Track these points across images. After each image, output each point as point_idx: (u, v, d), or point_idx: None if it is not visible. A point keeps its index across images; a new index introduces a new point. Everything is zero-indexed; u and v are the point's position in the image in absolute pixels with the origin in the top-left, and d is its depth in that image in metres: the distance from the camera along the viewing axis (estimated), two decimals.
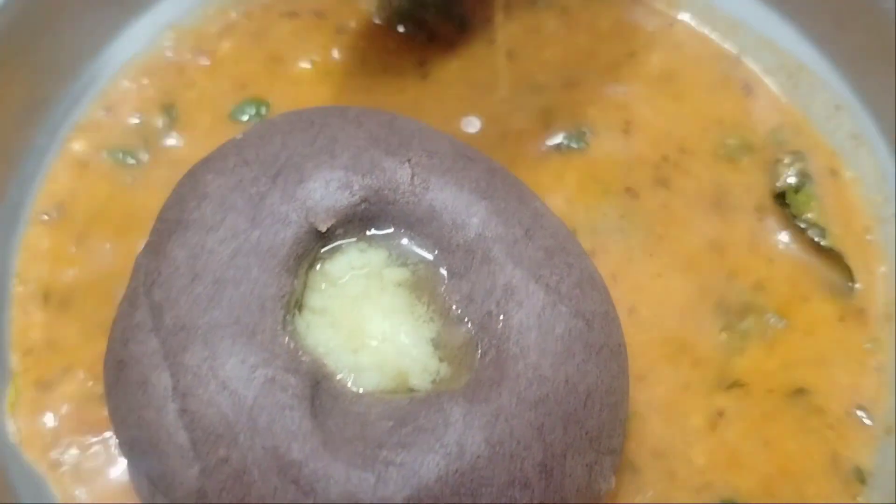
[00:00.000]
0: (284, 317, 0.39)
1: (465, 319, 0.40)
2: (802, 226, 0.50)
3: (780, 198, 0.51)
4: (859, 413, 0.45)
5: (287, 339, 0.39)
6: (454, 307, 0.41)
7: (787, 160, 0.52)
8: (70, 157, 0.53)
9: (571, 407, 0.38)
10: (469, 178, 0.42)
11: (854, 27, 0.51)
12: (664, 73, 0.55)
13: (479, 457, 0.36)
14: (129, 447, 0.39)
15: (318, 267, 0.42)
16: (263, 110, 0.54)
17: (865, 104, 0.52)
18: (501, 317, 0.40)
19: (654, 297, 0.48)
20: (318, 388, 0.38)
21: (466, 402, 0.37)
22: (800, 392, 0.46)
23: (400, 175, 0.42)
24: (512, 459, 0.37)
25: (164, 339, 0.39)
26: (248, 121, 0.54)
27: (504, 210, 0.42)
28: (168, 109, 0.54)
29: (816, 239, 0.50)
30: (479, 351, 0.39)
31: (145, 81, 0.55)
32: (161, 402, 0.38)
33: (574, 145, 0.52)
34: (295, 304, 0.40)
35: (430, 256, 0.42)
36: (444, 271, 0.41)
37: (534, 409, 0.38)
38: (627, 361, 0.42)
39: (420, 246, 0.42)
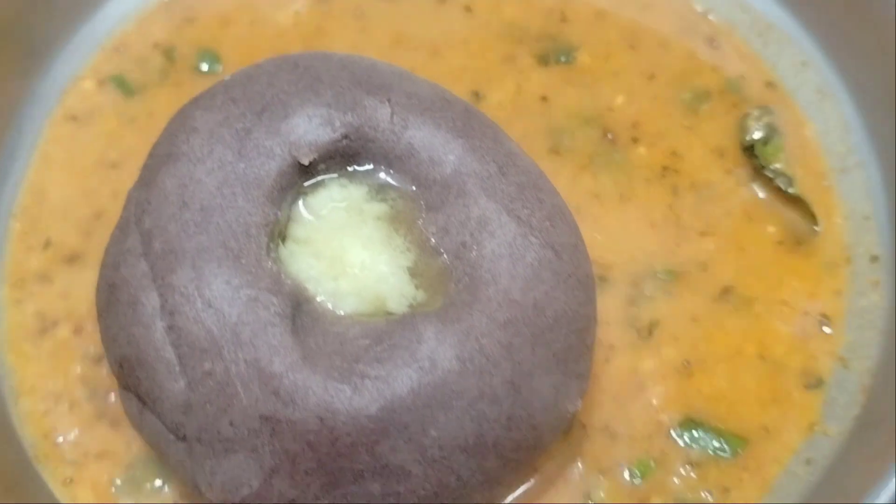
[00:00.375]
0: (268, 244, 0.41)
1: (441, 250, 0.42)
2: (770, 175, 0.52)
3: (749, 150, 0.53)
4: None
5: (270, 264, 0.41)
6: (431, 238, 0.43)
7: (755, 114, 0.54)
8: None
9: (539, 329, 0.41)
10: (446, 118, 0.44)
11: None
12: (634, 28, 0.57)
13: (449, 371, 0.38)
14: (119, 365, 0.41)
15: (301, 200, 0.44)
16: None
17: (830, 60, 0.54)
18: (475, 246, 0.42)
19: (612, 230, 0.51)
20: (299, 309, 0.40)
21: (439, 322, 0.39)
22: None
23: (380, 113, 0.44)
24: (481, 375, 0.39)
25: (153, 262, 0.41)
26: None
27: (479, 148, 0.44)
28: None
29: (783, 187, 0.52)
30: (454, 278, 0.42)
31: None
32: (149, 320, 0.40)
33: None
34: (279, 234, 0.43)
35: (408, 191, 0.44)
36: (421, 205, 0.44)
37: (503, 330, 0.40)
38: (595, 292, 0.44)
39: (399, 181, 0.44)
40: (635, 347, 0.48)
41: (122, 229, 0.43)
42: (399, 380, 0.38)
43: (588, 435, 0.46)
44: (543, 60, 0.57)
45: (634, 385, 0.48)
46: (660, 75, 0.56)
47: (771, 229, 0.51)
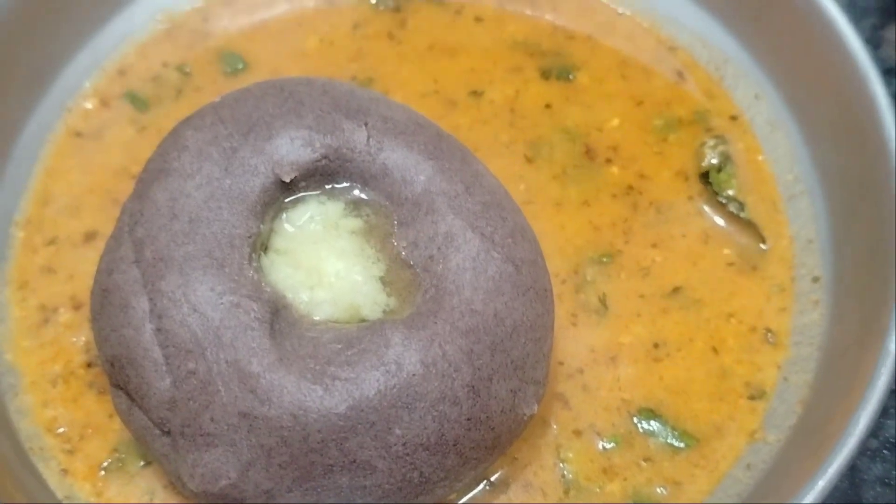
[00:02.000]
0: (251, 254, 0.45)
1: (411, 262, 0.46)
2: (723, 201, 0.56)
3: (705, 177, 0.57)
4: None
5: (252, 272, 0.44)
6: (402, 252, 0.46)
7: (710, 143, 0.58)
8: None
9: (498, 338, 0.44)
10: (418, 142, 0.48)
11: (772, 23, 0.57)
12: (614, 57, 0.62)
13: (414, 374, 0.42)
14: (111, 364, 0.44)
15: (283, 215, 0.47)
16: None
17: (781, 93, 0.58)
18: (441, 260, 0.45)
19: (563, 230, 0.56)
20: (277, 315, 0.43)
21: (406, 329, 0.43)
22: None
23: (357, 136, 0.47)
24: (444, 378, 0.42)
25: (144, 269, 0.44)
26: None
27: (448, 169, 0.47)
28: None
29: (735, 212, 0.56)
30: (422, 289, 0.45)
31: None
32: (139, 322, 0.43)
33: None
34: (261, 245, 0.46)
35: (382, 208, 0.47)
36: (394, 221, 0.47)
37: (465, 337, 0.43)
38: (553, 305, 0.48)
39: (373, 199, 0.48)
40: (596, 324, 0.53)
41: (115, 238, 0.46)
42: (367, 381, 0.41)
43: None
44: (546, 74, 0.61)
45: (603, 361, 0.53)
46: (646, 102, 0.60)
47: (726, 251, 0.55)
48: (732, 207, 0.56)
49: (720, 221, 0.56)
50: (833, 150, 0.55)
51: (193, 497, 0.44)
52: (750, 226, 0.55)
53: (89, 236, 0.55)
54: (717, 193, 0.56)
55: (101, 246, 0.53)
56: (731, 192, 0.56)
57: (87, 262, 0.54)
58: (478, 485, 0.49)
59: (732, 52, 0.60)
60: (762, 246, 0.55)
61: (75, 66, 0.60)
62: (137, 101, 0.60)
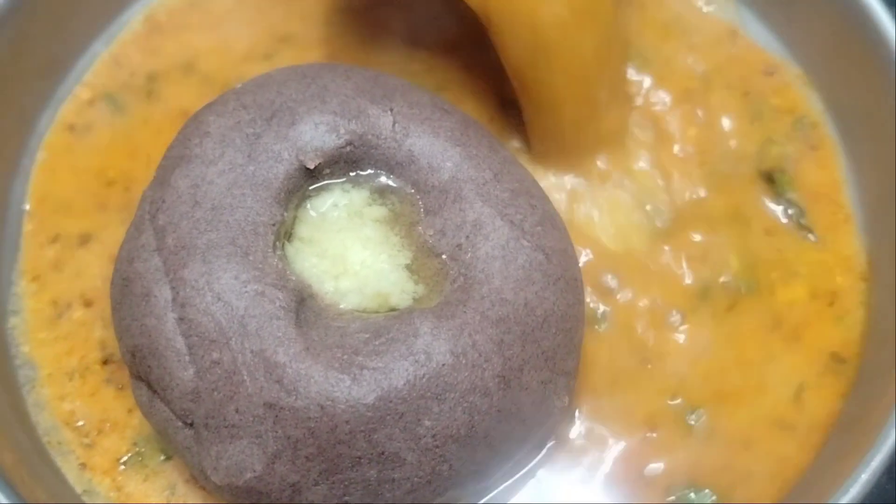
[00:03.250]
0: (275, 242, 0.44)
1: (439, 251, 0.45)
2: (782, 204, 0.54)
3: (768, 176, 0.55)
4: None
5: (276, 261, 0.43)
6: (429, 241, 0.45)
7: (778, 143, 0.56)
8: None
9: (529, 327, 0.43)
10: (445, 128, 0.47)
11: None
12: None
13: (443, 365, 0.41)
14: (132, 354, 0.43)
15: (307, 203, 0.46)
16: None
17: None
18: (470, 248, 0.44)
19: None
20: (303, 304, 0.42)
21: (435, 318, 0.42)
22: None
23: (383, 122, 0.46)
24: (473, 369, 0.41)
25: (165, 257, 0.43)
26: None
27: (475, 156, 0.46)
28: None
29: (791, 212, 0.54)
30: (450, 278, 0.44)
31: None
32: (162, 311, 0.42)
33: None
34: (285, 233, 0.45)
35: (408, 196, 0.46)
36: (420, 209, 0.46)
37: (495, 327, 0.42)
38: (583, 295, 0.47)
39: (399, 186, 0.47)
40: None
41: (136, 227, 0.45)
42: (396, 371, 0.40)
43: None
44: None
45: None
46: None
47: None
48: (792, 211, 0.54)
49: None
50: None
51: (217, 491, 0.43)
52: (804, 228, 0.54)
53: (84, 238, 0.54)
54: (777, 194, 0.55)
55: (97, 248, 0.53)
56: (793, 196, 0.55)
57: (87, 264, 0.53)
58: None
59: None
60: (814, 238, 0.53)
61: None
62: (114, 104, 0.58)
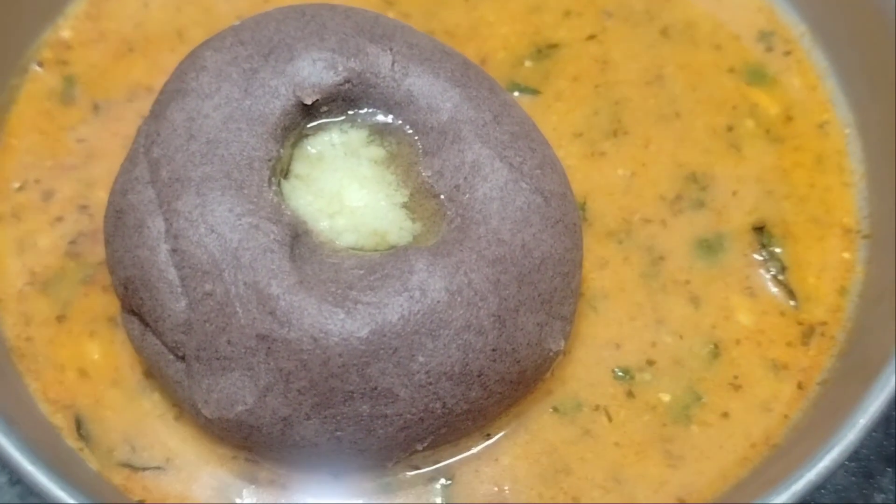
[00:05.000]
0: (270, 178, 0.43)
1: (437, 191, 0.44)
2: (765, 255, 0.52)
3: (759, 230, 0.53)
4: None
5: (272, 195, 0.42)
6: (427, 181, 0.45)
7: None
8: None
9: (526, 269, 0.42)
10: (445, 68, 0.46)
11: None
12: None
13: (438, 301, 0.40)
14: (124, 287, 0.43)
15: (304, 141, 0.46)
16: None
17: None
18: (468, 189, 0.44)
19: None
20: (297, 240, 0.42)
21: (431, 256, 0.41)
22: None
23: (382, 60, 0.46)
24: (469, 307, 0.41)
25: (159, 189, 0.42)
26: None
27: (475, 97, 0.46)
28: None
29: (774, 272, 0.52)
30: (447, 219, 0.43)
31: None
32: (154, 243, 0.42)
33: None
34: (282, 170, 0.44)
35: (406, 136, 0.46)
36: (419, 149, 0.45)
37: (491, 266, 0.42)
38: (582, 241, 0.46)
39: (396, 127, 0.46)
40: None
41: (130, 160, 0.45)
42: (390, 306, 0.40)
43: None
44: (665, 33, 0.58)
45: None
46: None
47: None
48: (772, 266, 0.52)
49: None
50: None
51: (207, 425, 0.42)
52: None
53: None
54: (763, 246, 0.52)
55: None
56: (778, 251, 0.52)
57: None
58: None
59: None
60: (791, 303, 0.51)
61: None
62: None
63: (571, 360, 0.49)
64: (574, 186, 0.51)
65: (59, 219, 0.51)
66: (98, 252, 0.49)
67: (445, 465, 0.46)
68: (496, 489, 0.46)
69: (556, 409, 0.47)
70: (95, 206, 0.52)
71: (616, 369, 0.48)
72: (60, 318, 0.49)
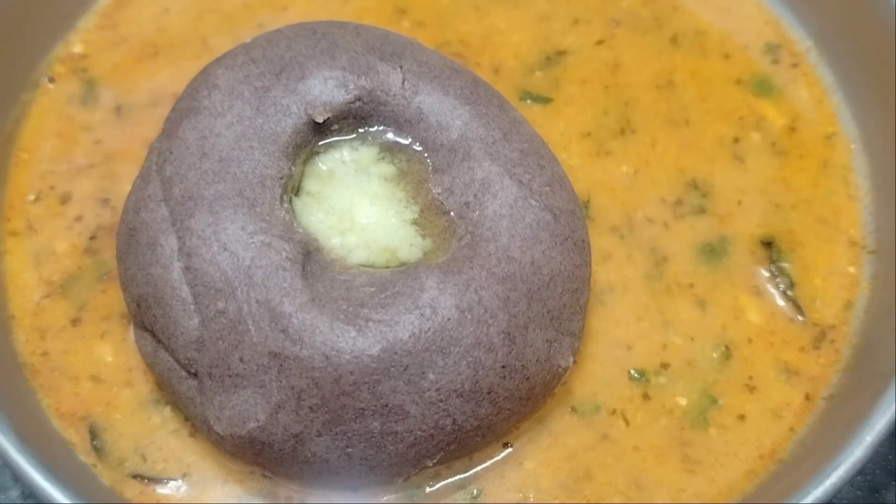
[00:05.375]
0: (282, 195, 0.44)
1: (447, 209, 0.45)
2: (774, 270, 0.52)
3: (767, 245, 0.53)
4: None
5: (284, 213, 0.43)
6: (437, 198, 0.45)
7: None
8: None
9: (535, 286, 0.43)
10: (454, 86, 0.47)
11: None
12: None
13: (449, 319, 0.41)
14: (137, 304, 0.43)
15: (315, 159, 0.46)
16: None
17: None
18: (478, 207, 0.44)
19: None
20: (309, 257, 0.42)
21: (441, 273, 0.42)
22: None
23: (392, 79, 0.46)
24: (479, 324, 0.41)
25: (172, 207, 0.43)
26: None
27: (485, 115, 0.46)
28: None
29: (783, 288, 0.52)
30: (457, 236, 0.44)
31: None
32: (168, 260, 0.42)
33: None
34: (293, 188, 0.45)
35: (416, 154, 0.46)
36: (429, 167, 0.46)
37: (501, 284, 0.42)
38: (590, 258, 0.47)
39: (407, 145, 0.46)
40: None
41: (143, 178, 0.45)
42: (401, 324, 0.40)
43: None
44: (675, 41, 0.59)
45: None
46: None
47: None
48: (781, 281, 0.52)
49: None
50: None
51: (220, 441, 0.43)
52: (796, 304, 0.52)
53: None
54: (772, 261, 0.53)
55: None
56: (786, 265, 0.52)
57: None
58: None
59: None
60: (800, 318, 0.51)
61: None
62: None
63: (585, 355, 0.49)
64: (578, 184, 0.52)
65: (79, 218, 0.52)
66: None
67: (473, 474, 0.46)
68: (521, 495, 0.46)
69: (574, 410, 0.48)
70: (118, 199, 0.52)
71: (631, 371, 0.49)
72: (75, 322, 0.49)
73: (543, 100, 0.56)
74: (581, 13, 0.59)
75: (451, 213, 0.44)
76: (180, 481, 0.46)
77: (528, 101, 0.56)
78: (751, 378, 0.49)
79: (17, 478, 0.42)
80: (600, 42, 0.58)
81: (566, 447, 0.47)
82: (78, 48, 0.57)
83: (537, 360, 0.43)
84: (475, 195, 0.44)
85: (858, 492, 0.53)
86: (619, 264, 0.51)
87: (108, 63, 0.57)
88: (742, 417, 0.48)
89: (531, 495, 0.46)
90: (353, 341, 0.40)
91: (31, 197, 0.53)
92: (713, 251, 0.52)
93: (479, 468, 0.47)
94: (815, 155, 0.55)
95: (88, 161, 0.54)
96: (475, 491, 0.46)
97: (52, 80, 0.56)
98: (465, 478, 0.46)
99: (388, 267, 0.44)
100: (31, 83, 0.56)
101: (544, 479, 0.46)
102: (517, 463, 0.47)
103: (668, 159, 0.55)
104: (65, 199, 0.52)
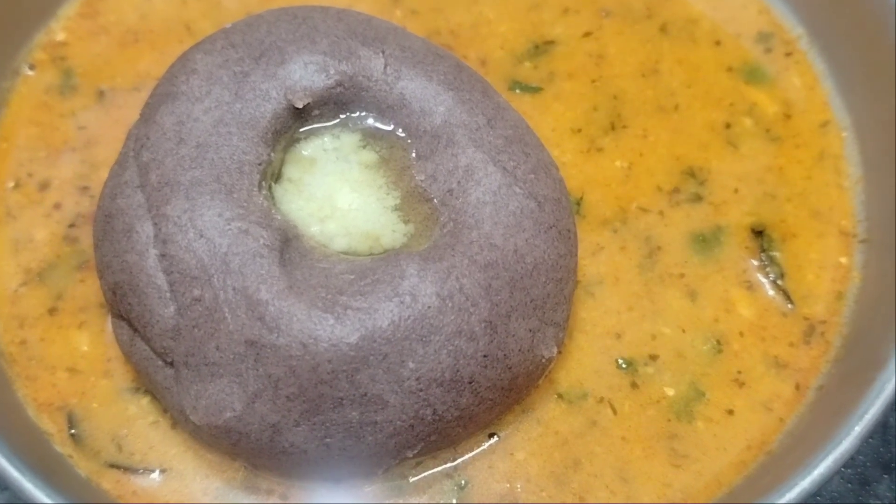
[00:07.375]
0: (260, 182, 0.43)
1: (429, 196, 0.44)
2: (764, 259, 0.52)
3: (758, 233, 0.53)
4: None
5: (262, 200, 0.42)
6: (419, 185, 0.44)
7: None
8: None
9: (518, 274, 0.42)
10: (438, 71, 0.46)
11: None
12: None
13: (429, 307, 0.40)
14: (112, 291, 0.43)
15: (297, 146, 0.45)
16: None
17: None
18: (461, 193, 0.43)
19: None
20: (288, 244, 0.42)
21: (422, 261, 0.41)
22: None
23: (374, 64, 0.45)
24: (460, 312, 0.40)
25: (148, 194, 0.42)
26: None
27: (469, 101, 0.45)
28: None
29: (773, 277, 0.51)
30: (440, 223, 0.43)
31: None
32: (143, 247, 0.41)
33: None
34: (272, 175, 0.44)
35: (398, 140, 0.45)
36: (412, 153, 0.45)
37: (483, 271, 0.41)
38: (576, 248, 0.46)
39: (389, 132, 0.46)
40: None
41: (120, 164, 0.44)
42: (380, 312, 0.40)
43: None
44: (664, 30, 0.58)
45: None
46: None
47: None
48: (771, 271, 0.51)
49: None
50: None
51: (196, 431, 0.42)
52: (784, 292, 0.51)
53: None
54: (763, 250, 0.52)
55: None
56: (776, 254, 0.52)
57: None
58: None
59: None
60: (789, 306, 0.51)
61: None
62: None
63: (572, 346, 0.48)
64: (570, 181, 0.50)
65: (57, 206, 0.51)
66: None
67: (461, 462, 0.46)
68: (508, 486, 0.45)
69: (561, 397, 0.47)
70: (97, 188, 0.51)
71: (619, 360, 0.48)
72: (52, 311, 0.48)
73: (533, 89, 0.55)
74: (571, 3, 0.58)
75: (435, 200, 0.44)
76: (158, 472, 0.45)
77: (518, 91, 0.55)
78: (740, 373, 0.48)
79: None
80: (587, 34, 0.57)
81: (556, 435, 0.46)
82: (60, 36, 0.57)
83: (520, 350, 0.42)
84: (458, 182, 0.43)
85: (849, 485, 0.52)
86: (611, 255, 0.51)
87: (89, 50, 0.56)
88: (730, 412, 0.47)
89: (519, 486, 0.45)
90: (332, 329, 0.39)
91: (11, 184, 0.52)
92: (706, 241, 0.51)
93: (467, 456, 0.46)
94: (811, 145, 0.54)
95: (70, 146, 0.53)
96: (462, 482, 0.45)
97: (32, 67, 0.55)
98: (453, 467, 0.45)
99: (371, 254, 0.43)
100: (12, 71, 0.55)
101: (533, 468, 0.46)
102: (507, 453, 0.46)
103: (661, 148, 0.54)
104: (43, 187, 0.52)
